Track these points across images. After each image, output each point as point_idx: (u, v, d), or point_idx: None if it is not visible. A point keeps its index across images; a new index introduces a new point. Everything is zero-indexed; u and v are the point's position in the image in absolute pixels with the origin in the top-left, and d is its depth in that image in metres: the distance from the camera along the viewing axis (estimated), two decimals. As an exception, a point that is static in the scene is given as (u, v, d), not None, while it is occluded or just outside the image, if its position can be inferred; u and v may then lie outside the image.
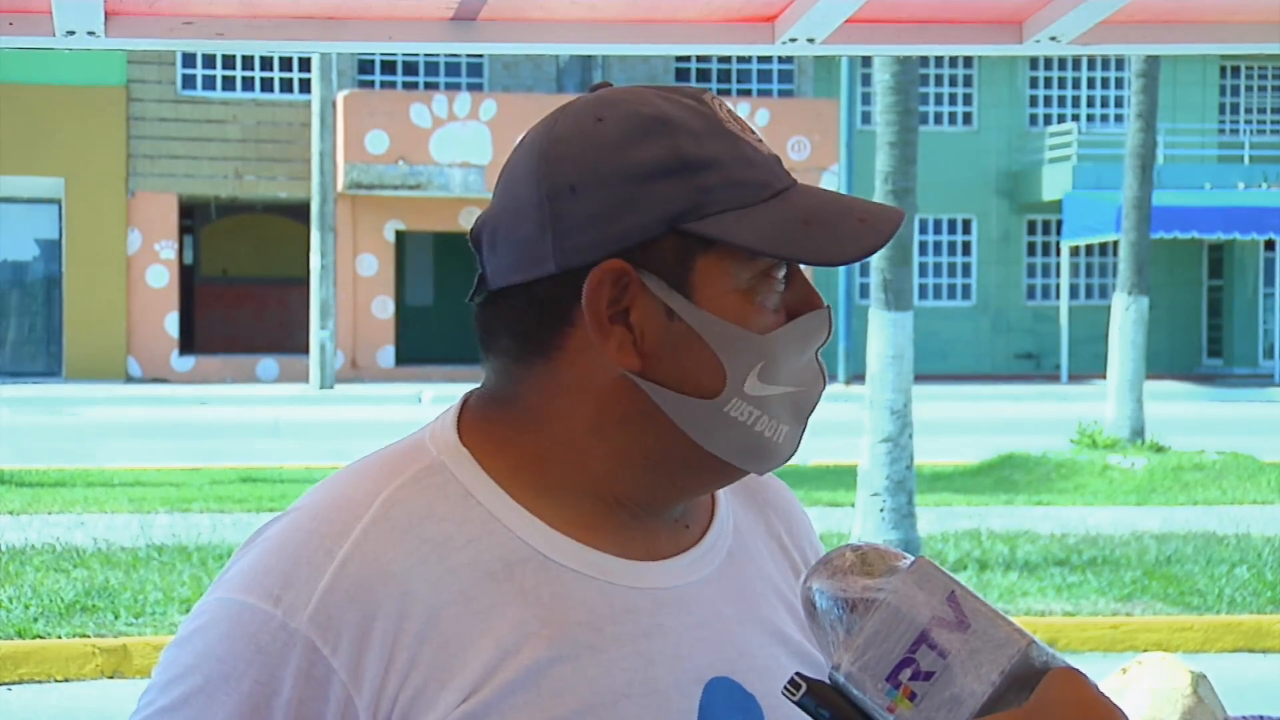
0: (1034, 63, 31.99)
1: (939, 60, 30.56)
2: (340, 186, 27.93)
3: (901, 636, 1.31)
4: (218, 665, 1.39)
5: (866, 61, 26.29)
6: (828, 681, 1.34)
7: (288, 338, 29.88)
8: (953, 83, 32.43)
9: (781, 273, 1.44)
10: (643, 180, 1.42)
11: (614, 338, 1.43)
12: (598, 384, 1.45)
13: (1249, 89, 34.11)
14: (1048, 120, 32.75)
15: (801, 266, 1.46)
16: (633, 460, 1.46)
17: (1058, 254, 32.33)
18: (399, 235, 29.51)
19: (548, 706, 1.39)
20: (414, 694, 1.37)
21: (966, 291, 32.66)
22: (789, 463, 1.49)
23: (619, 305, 1.43)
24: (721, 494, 1.58)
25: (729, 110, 1.47)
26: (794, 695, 1.34)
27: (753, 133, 1.47)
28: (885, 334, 10.64)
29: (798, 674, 1.35)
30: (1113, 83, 32.86)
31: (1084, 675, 1.30)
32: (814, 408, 1.48)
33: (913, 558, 1.36)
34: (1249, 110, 34.09)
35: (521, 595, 1.42)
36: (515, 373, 1.48)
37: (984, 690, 1.29)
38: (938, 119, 32.17)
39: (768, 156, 1.45)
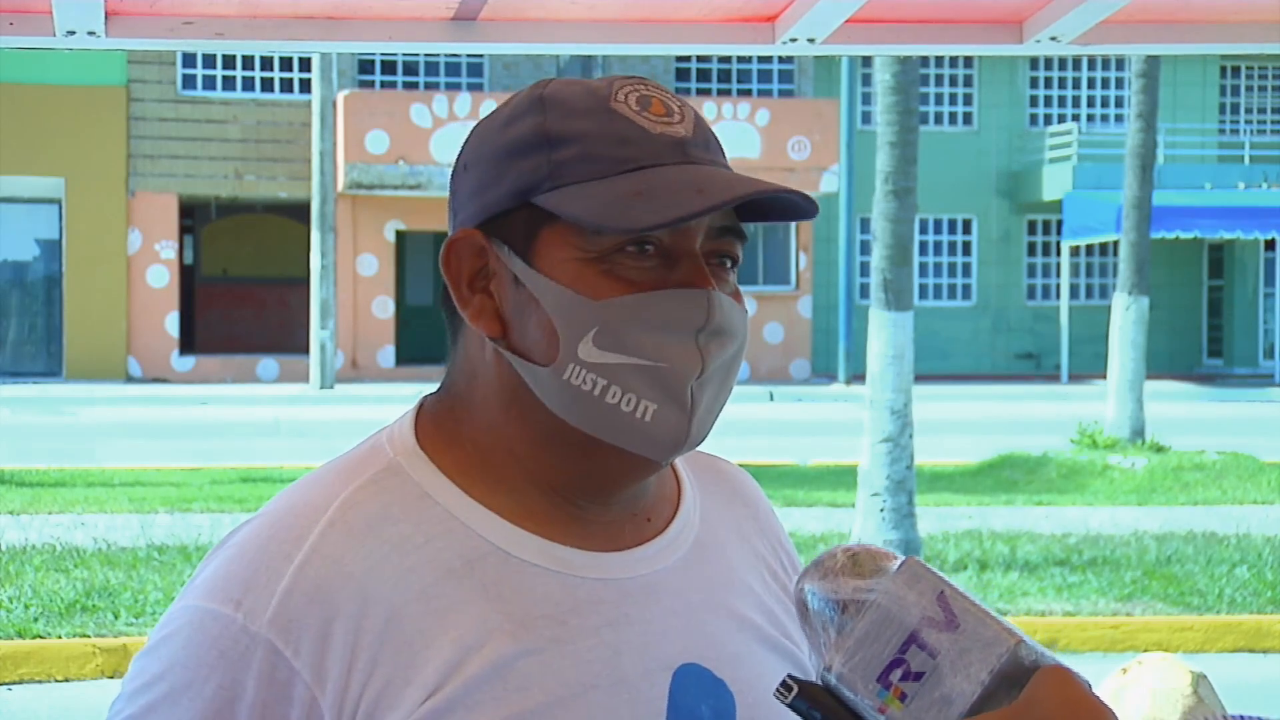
0: (1034, 63, 31.99)
1: (939, 60, 30.55)
2: (340, 186, 27.93)
3: (892, 637, 1.32)
4: (182, 672, 1.40)
5: (866, 61, 26.29)
6: (819, 683, 1.35)
7: (288, 338, 29.88)
8: (953, 83, 32.42)
9: (647, 248, 1.44)
10: (509, 156, 1.47)
11: (473, 305, 1.48)
12: (486, 357, 1.49)
13: (1249, 89, 34.10)
14: (1048, 120, 32.74)
15: (698, 247, 1.45)
16: (541, 442, 1.47)
17: (1058, 254, 32.33)
18: (399, 235, 29.51)
19: (513, 701, 1.40)
20: (377, 693, 1.39)
21: (966, 291, 32.65)
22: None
23: (482, 274, 1.48)
24: (688, 485, 1.59)
25: (648, 94, 1.48)
26: (786, 697, 1.34)
27: (671, 115, 1.47)
28: (885, 334, 10.64)
29: (790, 676, 1.35)
30: (1113, 83, 32.85)
31: (1073, 673, 1.30)
32: (689, 390, 1.44)
33: (903, 558, 1.36)
34: (1249, 110, 34.08)
35: (483, 591, 1.43)
36: (451, 357, 1.54)
37: (973, 690, 1.29)
38: (938, 119, 32.16)
39: (657, 136, 1.45)
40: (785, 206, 1.47)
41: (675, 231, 1.44)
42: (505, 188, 1.47)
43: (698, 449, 1.60)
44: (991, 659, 1.29)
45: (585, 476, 1.48)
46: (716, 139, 1.51)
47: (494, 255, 1.48)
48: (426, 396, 1.55)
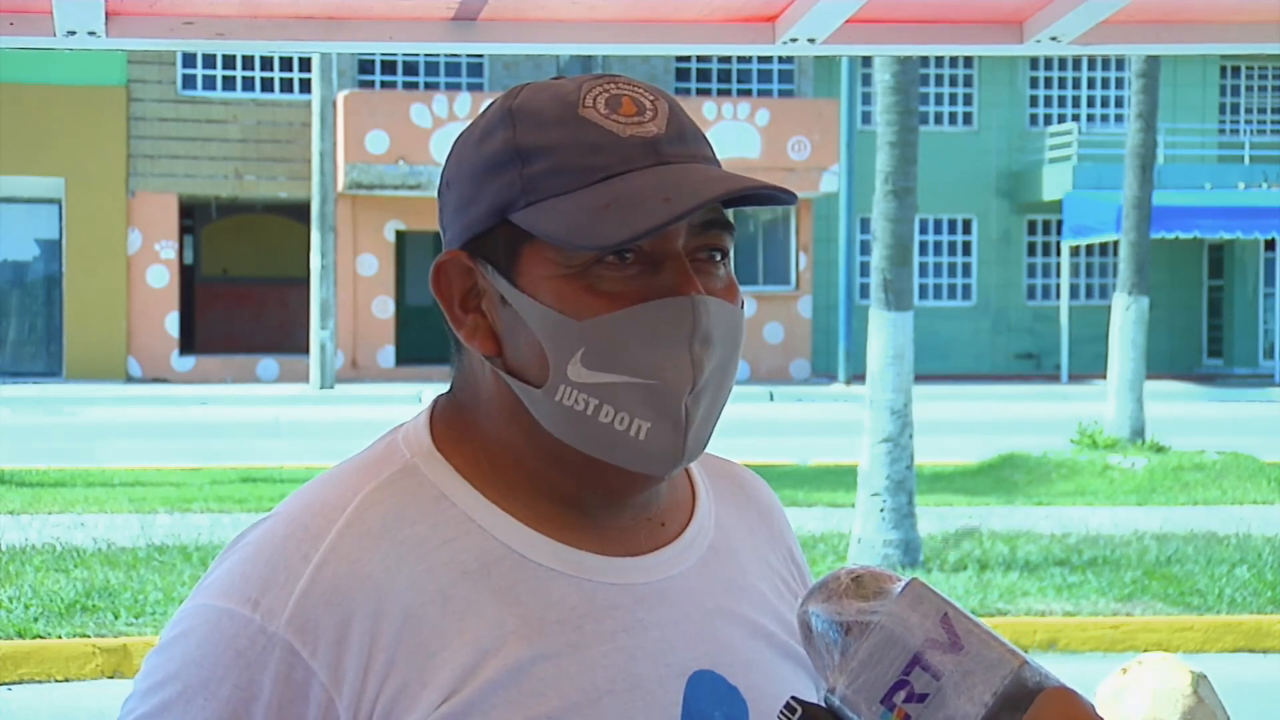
0: (1034, 63, 31.98)
1: (939, 60, 30.55)
2: (340, 186, 27.93)
3: (895, 659, 1.31)
4: (197, 671, 1.39)
5: (866, 61, 26.29)
6: (823, 704, 1.35)
7: (288, 338, 29.87)
8: (953, 83, 32.42)
9: (627, 256, 1.41)
10: (485, 173, 1.45)
11: (466, 325, 1.47)
12: (486, 374, 1.48)
13: (1249, 89, 34.10)
14: (1048, 120, 32.74)
15: (681, 247, 1.43)
16: (545, 455, 1.46)
17: (1058, 254, 32.32)
18: (399, 235, 29.51)
19: (530, 705, 1.39)
20: (394, 694, 1.38)
21: (966, 291, 32.65)
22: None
23: (473, 293, 1.47)
24: (703, 491, 1.58)
25: (618, 94, 1.45)
26: (789, 719, 1.34)
27: (642, 113, 1.44)
28: (885, 334, 10.64)
29: (793, 698, 1.35)
30: (1113, 83, 32.85)
31: (1077, 695, 1.30)
32: (683, 405, 1.42)
33: (906, 579, 1.36)
34: (1249, 110, 34.07)
35: (499, 594, 1.42)
36: (455, 364, 1.53)
37: (977, 712, 1.29)
38: (938, 119, 32.15)
39: (627, 139, 1.42)
40: (765, 193, 1.44)
41: (654, 236, 1.41)
42: (484, 206, 1.45)
43: (713, 454, 1.60)
44: (995, 681, 1.29)
45: (590, 489, 1.47)
46: (695, 129, 1.47)
47: (480, 275, 1.46)
48: (440, 397, 1.54)
